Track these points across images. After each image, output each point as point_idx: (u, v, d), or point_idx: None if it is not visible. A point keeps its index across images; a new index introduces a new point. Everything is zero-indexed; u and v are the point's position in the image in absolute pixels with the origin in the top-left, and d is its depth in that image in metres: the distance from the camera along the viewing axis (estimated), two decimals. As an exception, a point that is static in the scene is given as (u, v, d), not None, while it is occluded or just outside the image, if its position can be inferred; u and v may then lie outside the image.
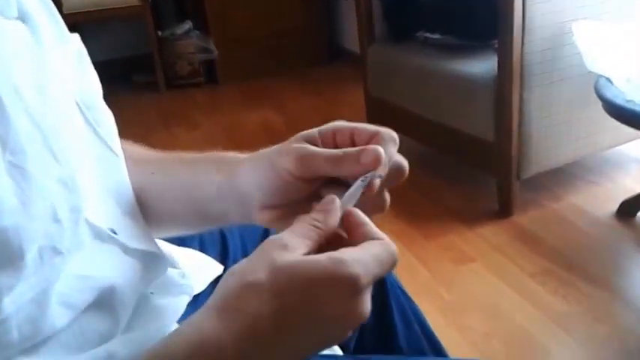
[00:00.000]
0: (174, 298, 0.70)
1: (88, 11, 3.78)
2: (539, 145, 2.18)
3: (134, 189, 0.69)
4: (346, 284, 0.45)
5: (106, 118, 0.68)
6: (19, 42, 0.53)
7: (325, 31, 4.38)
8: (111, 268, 0.59)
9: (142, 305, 0.64)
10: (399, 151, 0.57)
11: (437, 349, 0.90)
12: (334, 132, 0.58)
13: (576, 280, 1.90)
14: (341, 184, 0.56)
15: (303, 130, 0.58)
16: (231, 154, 0.65)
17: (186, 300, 0.71)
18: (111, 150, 0.66)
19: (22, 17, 0.55)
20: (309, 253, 0.47)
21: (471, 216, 2.33)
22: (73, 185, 0.53)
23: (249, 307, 0.45)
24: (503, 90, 2.10)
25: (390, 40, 2.77)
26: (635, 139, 2.36)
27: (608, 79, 1.92)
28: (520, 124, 2.13)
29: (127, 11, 3.89)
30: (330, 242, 0.50)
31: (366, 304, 0.47)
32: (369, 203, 0.55)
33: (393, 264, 0.48)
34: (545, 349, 1.67)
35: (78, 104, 0.63)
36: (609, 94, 1.87)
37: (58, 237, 0.51)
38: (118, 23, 4.21)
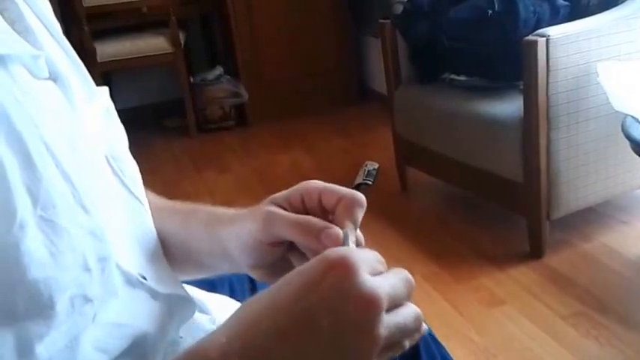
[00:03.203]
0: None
1: (122, 59, 3.87)
2: (569, 185, 2.18)
3: None
4: (335, 263, 0.45)
5: (131, 168, 0.71)
6: (50, 101, 0.55)
7: (355, 72, 4.43)
8: (142, 314, 0.61)
9: (171, 351, 0.66)
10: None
11: None
12: (302, 195, 0.61)
13: (608, 321, 1.88)
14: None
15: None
16: (221, 211, 0.68)
17: None
18: (136, 198, 0.69)
19: (54, 77, 0.58)
20: None
21: (501, 257, 2.32)
22: (102, 235, 0.55)
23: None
24: (530, 131, 2.11)
25: (416, 83, 2.79)
26: (665, 177, 2.34)
27: (635, 119, 1.92)
28: (548, 165, 2.14)
29: (160, 59, 3.97)
30: None
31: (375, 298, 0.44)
32: None
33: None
34: (578, 393, 1.65)
35: (106, 157, 0.66)
36: (636, 133, 1.87)
37: (88, 285, 0.53)
38: (150, 69, 4.29)
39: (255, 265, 0.63)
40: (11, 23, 0.54)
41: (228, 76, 4.24)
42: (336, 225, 0.57)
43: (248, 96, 4.15)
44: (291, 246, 0.61)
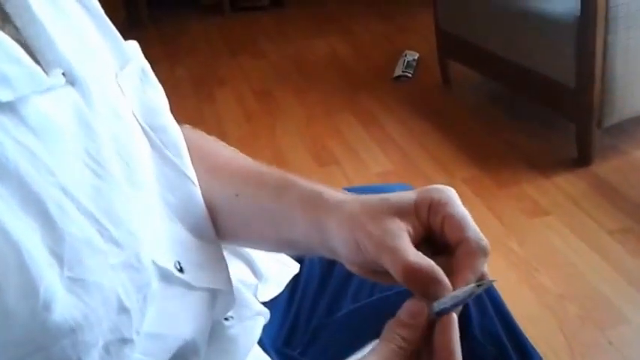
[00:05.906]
0: (249, 322, 0.68)
1: None
2: (624, 91, 2.06)
3: (212, 203, 0.66)
4: None
5: (174, 135, 0.65)
6: (65, 116, 0.49)
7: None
8: (181, 317, 0.57)
9: (215, 338, 0.63)
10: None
11: (515, 336, 0.79)
12: (430, 206, 0.53)
13: (659, 240, 1.82)
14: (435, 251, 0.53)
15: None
16: (316, 191, 0.59)
17: (261, 323, 0.70)
18: (180, 171, 0.63)
19: (71, 80, 0.51)
20: None
21: (546, 163, 2.24)
22: (139, 263, 0.51)
23: None
24: (586, 32, 1.98)
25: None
26: None
27: None
28: (603, 69, 2.01)
29: None
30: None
31: None
32: None
33: None
34: (622, 315, 1.61)
35: (143, 128, 0.60)
36: None
37: (126, 326, 0.49)
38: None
39: (358, 264, 0.56)
40: (29, 44, 0.50)
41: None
42: (456, 271, 0.50)
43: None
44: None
